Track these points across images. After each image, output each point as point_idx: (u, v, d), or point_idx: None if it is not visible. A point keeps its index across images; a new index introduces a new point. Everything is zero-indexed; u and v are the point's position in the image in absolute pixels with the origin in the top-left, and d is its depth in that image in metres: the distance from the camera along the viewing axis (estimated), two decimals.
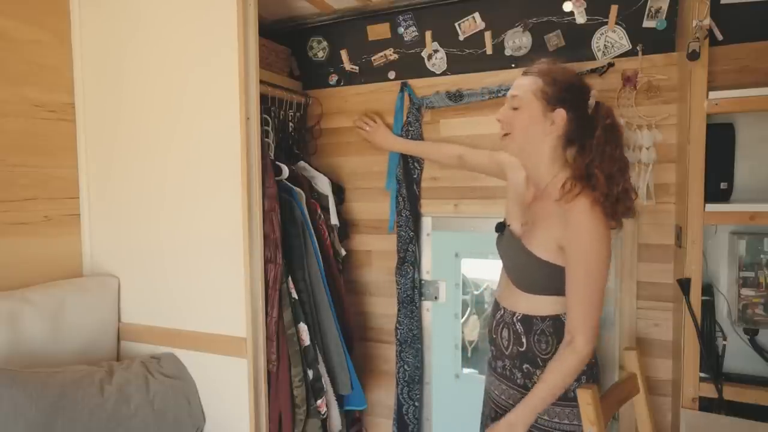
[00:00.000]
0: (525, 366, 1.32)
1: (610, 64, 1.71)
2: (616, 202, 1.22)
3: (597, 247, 1.19)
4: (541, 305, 1.30)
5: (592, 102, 1.28)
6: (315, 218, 1.83)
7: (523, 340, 1.32)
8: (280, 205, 1.62)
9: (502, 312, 1.39)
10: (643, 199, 1.65)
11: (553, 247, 1.25)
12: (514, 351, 1.34)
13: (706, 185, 1.44)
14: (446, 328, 2.07)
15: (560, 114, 1.26)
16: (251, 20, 1.47)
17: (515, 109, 1.30)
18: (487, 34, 1.88)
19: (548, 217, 1.27)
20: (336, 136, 2.18)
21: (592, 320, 1.20)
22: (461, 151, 1.80)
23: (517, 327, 1.33)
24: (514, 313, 1.34)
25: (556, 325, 1.29)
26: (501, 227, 1.45)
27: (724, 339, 1.57)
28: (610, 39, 1.73)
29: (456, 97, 1.89)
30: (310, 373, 1.65)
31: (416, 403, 2.02)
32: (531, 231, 1.31)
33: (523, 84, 1.30)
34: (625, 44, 1.71)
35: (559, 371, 1.21)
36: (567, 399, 1.27)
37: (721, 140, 1.52)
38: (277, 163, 1.73)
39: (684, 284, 1.48)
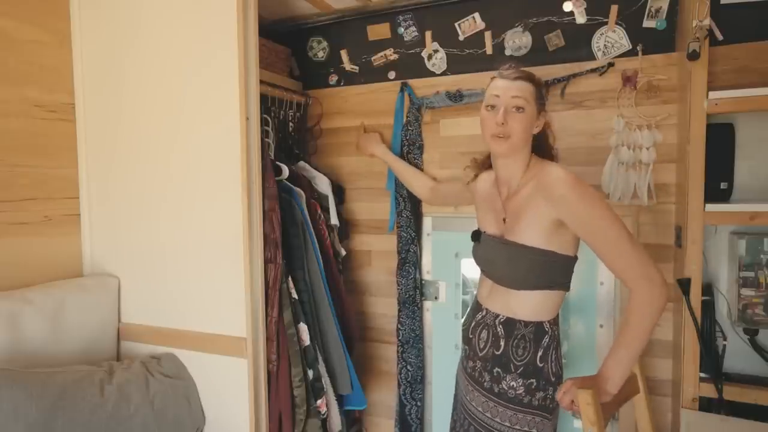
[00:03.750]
0: (495, 369, 1.32)
1: (610, 64, 1.71)
2: None
3: (595, 202, 1.19)
4: (528, 306, 1.30)
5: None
6: (315, 218, 1.83)
7: (501, 343, 1.32)
8: (280, 205, 1.62)
9: (484, 313, 1.39)
10: (643, 199, 1.65)
11: (546, 226, 1.25)
12: (489, 353, 1.34)
13: (706, 185, 1.44)
14: (446, 328, 2.07)
15: (546, 116, 1.36)
16: (251, 20, 1.47)
17: (521, 111, 1.29)
18: (487, 34, 1.88)
19: (531, 200, 1.27)
20: (336, 136, 2.18)
21: (636, 261, 1.15)
22: (433, 184, 1.87)
23: (498, 330, 1.33)
24: (497, 316, 1.34)
25: (537, 333, 1.29)
26: (477, 235, 1.45)
27: (724, 339, 1.58)
28: (610, 39, 1.73)
29: (456, 97, 1.89)
30: (310, 373, 1.65)
31: (419, 403, 2.02)
32: (515, 223, 1.31)
33: (523, 87, 1.31)
34: (625, 44, 1.71)
35: (638, 324, 1.16)
36: (531, 407, 1.27)
37: (721, 140, 1.52)
38: (277, 163, 1.73)
39: (684, 284, 1.48)
